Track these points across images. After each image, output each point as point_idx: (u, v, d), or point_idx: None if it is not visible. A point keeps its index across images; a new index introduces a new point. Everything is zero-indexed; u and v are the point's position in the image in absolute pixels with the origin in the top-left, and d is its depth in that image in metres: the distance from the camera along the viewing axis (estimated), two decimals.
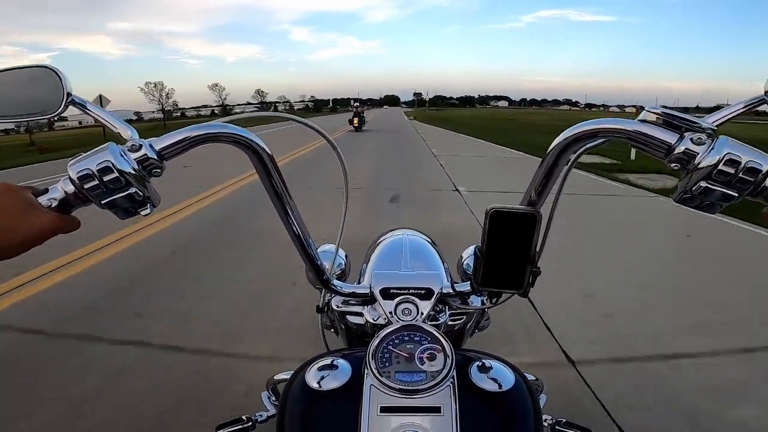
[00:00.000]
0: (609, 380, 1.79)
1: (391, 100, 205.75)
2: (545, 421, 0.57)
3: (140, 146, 0.44)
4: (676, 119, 0.41)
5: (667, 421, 1.58)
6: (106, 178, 0.42)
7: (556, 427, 0.58)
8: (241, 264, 3.04)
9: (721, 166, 0.39)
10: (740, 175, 0.39)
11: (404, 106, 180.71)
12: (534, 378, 0.67)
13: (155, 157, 0.44)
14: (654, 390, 1.73)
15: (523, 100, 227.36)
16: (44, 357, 1.97)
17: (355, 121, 16.74)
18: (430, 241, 0.89)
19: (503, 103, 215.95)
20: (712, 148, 0.40)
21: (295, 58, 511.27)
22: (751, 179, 0.39)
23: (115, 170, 0.42)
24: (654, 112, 0.42)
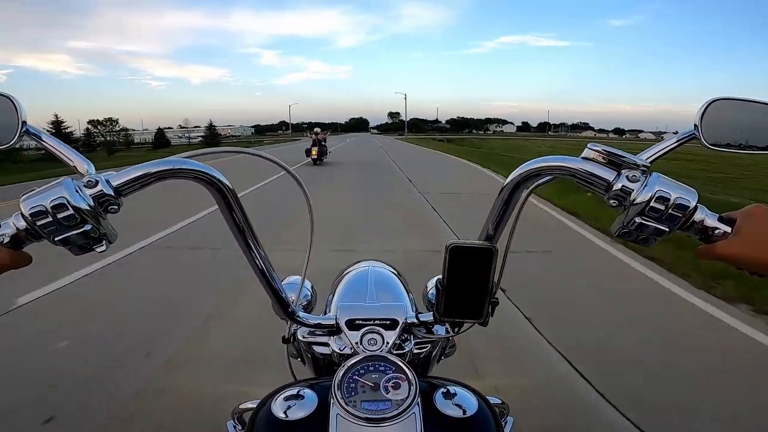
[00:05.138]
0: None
1: (358, 124, 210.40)
2: None
3: (97, 182, 0.51)
4: (614, 156, 0.53)
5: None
6: (60, 215, 0.49)
7: None
8: None
9: (652, 203, 0.51)
10: (670, 211, 0.51)
11: (375, 131, 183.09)
12: (500, 401, 0.79)
13: (112, 194, 0.52)
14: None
15: (526, 124, 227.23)
16: None
17: (314, 152, 16.04)
18: (395, 272, 1.04)
19: (509, 128, 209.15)
20: (645, 185, 0.51)
21: (262, 82, 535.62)
22: (680, 215, 0.51)
23: (69, 207, 0.49)
24: (595, 150, 0.55)
